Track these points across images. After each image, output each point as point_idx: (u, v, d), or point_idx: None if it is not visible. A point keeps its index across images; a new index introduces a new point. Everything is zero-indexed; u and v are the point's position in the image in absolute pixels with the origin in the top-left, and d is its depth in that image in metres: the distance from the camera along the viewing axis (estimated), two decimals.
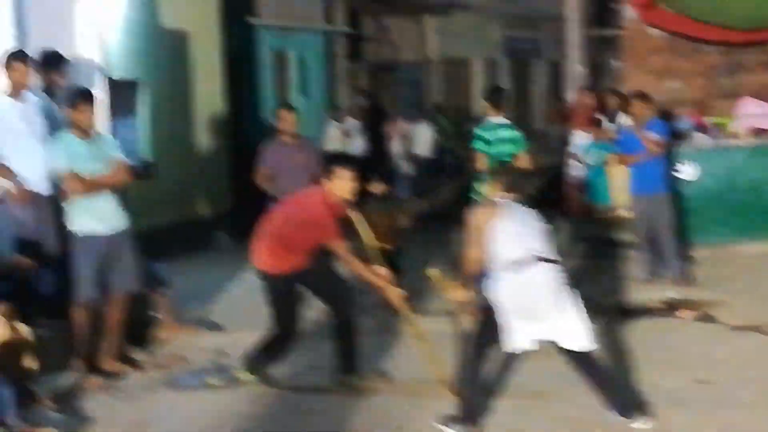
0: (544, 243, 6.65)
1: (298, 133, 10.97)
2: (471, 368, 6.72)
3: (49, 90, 9.25)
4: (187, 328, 9.77)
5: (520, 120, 30.95)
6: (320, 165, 10.62)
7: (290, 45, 21.09)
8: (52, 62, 9.34)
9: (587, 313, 6.60)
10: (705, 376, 7.42)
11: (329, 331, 8.06)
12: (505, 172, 7.27)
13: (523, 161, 10.49)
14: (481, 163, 10.41)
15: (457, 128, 24.29)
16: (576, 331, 6.56)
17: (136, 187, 13.16)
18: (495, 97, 11.18)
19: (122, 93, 13.63)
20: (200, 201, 15.53)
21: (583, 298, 6.61)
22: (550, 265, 6.58)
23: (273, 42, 20.36)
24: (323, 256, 7.87)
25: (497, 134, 10.61)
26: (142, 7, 14.18)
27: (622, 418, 6.55)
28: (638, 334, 8.88)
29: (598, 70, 32.85)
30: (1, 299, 7.46)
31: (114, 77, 12.73)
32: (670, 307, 9.81)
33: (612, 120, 14.11)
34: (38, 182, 8.76)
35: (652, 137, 10.57)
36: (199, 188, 15.55)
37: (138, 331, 9.19)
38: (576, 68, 17.31)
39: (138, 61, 14.14)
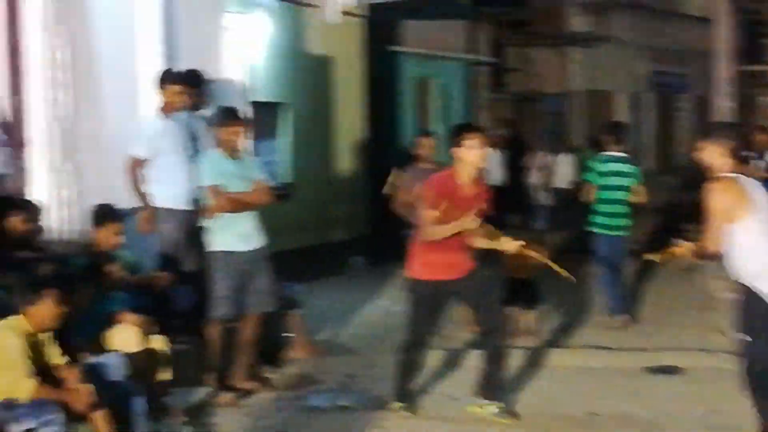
0: None
1: (436, 159, 10.93)
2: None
3: (194, 109, 9.41)
4: (319, 349, 9.78)
5: (665, 155, 30.62)
6: None
7: (432, 72, 21.13)
8: (197, 82, 9.51)
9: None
10: None
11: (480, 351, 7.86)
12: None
13: (639, 194, 10.84)
14: (591, 194, 10.80)
15: None
16: None
17: (274, 208, 13.43)
18: (615, 131, 11.47)
19: (265, 115, 13.83)
20: (338, 224, 15.62)
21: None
22: None
23: (414, 69, 20.42)
24: (482, 272, 7.74)
25: (610, 167, 10.84)
26: (286, 33, 14.38)
27: None
28: None
29: (746, 106, 32.11)
30: (140, 312, 7.57)
31: (258, 99, 12.92)
32: None
33: (761, 156, 13.69)
34: (183, 199, 8.88)
35: None
36: (337, 212, 15.64)
37: (270, 350, 9.24)
38: (723, 104, 16.82)
39: (282, 85, 14.35)
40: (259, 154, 13.27)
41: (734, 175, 6.29)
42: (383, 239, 16.75)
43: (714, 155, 6.38)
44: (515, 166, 20.87)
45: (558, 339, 10.34)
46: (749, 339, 6.34)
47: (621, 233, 10.97)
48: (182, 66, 9.81)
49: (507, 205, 16.03)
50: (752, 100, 33.07)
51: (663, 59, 32.00)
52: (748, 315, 6.37)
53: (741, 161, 6.49)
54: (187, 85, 9.17)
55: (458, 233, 7.33)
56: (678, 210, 22.84)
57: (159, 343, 7.59)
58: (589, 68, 28.72)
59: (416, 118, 20.32)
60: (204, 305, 8.30)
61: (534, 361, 9.19)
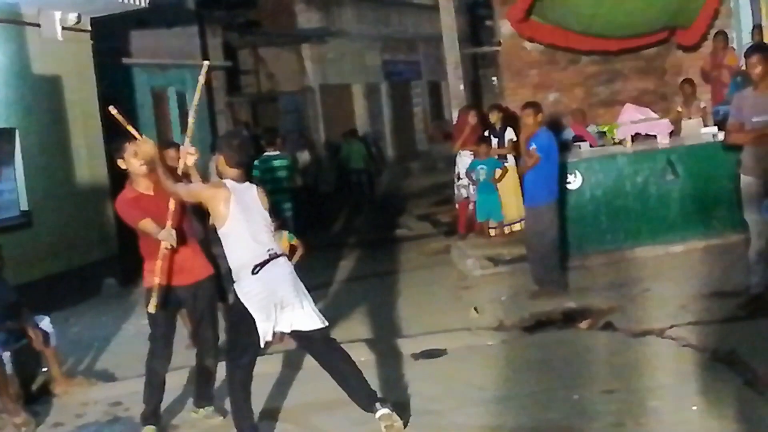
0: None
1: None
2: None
3: None
4: (80, 380, 9.43)
5: (404, 141, 31.32)
6: None
7: (167, 82, 20.85)
8: None
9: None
10: (612, 386, 7.37)
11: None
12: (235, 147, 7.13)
13: None
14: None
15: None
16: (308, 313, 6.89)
17: (16, 238, 12.88)
18: (269, 135, 15.19)
19: None
20: (86, 247, 15.10)
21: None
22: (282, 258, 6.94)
23: (149, 80, 20.10)
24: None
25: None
26: (8, 55, 13.82)
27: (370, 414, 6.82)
28: (540, 348, 8.84)
29: (478, 88, 33.26)
30: None
31: None
32: (569, 318, 9.80)
33: (499, 136, 14.16)
34: None
35: (532, 149, 10.53)
36: (83, 234, 15.13)
37: (28, 387, 8.85)
38: (455, 87, 17.32)
39: (9, 110, 13.77)
40: None
41: (225, 181, 6.95)
42: (134, 257, 16.37)
43: (220, 164, 7.06)
44: None
45: None
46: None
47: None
48: None
49: None
50: (484, 82, 34.27)
51: (394, 48, 32.73)
52: (231, 310, 7.18)
53: (241, 167, 6.98)
54: None
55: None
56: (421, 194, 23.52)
57: None
58: (322, 63, 29.02)
59: (157, 129, 20.00)
60: None
61: (292, 362, 9.11)
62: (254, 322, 6.74)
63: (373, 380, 7.62)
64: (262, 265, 6.77)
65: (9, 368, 8.45)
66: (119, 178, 16.17)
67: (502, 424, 6.87)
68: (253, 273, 6.74)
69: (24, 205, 14.06)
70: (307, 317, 6.88)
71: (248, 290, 6.76)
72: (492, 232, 13.99)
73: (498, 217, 13.76)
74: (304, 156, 21.21)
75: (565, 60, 15.61)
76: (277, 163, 14.37)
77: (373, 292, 12.48)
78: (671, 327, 8.66)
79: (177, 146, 10.94)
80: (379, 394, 7.05)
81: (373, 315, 11.12)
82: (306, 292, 6.98)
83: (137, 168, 7.55)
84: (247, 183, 7.06)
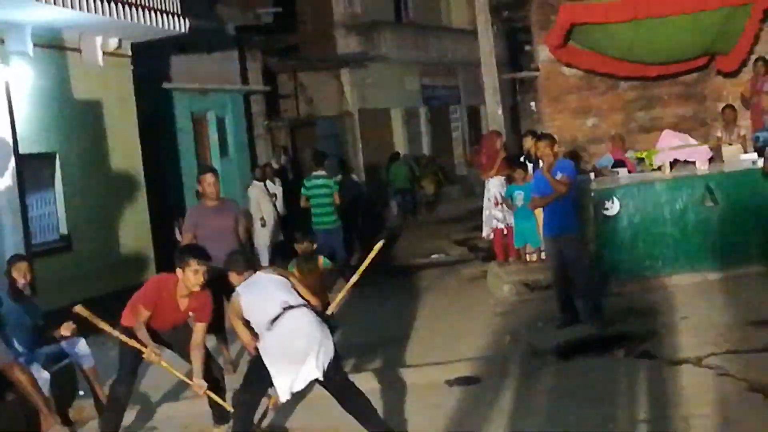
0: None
1: (221, 195, 10.80)
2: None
3: None
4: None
5: (444, 165, 31.22)
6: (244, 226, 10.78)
7: (207, 106, 20.99)
8: None
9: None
10: (648, 415, 7.31)
11: None
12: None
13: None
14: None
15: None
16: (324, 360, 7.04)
17: (53, 262, 12.99)
18: (317, 157, 16.25)
19: (35, 167, 13.38)
20: (124, 270, 15.19)
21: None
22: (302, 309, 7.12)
23: (189, 104, 20.24)
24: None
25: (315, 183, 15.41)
26: (51, 80, 13.98)
27: None
28: (576, 375, 8.78)
29: (517, 113, 33.20)
30: None
31: (26, 152, 12.48)
32: (605, 345, 9.72)
33: (535, 161, 14.07)
34: None
35: (559, 177, 10.41)
36: (122, 257, 15.24)
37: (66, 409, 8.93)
38: (494, 112, 17.30)
39: (51, 134, 13.92)
40: (32, 207, 12.85)
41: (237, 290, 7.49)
42: None
43: (233, 279, 7.70)
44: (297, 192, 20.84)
45: (359, 362, 10.33)
46: None
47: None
48: None
49: (293, 230, 16.05)
50: (523, 107, 34.18)
51: (433, 73, 32.74)
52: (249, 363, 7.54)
53: (249, 268, 7.57)
54: None
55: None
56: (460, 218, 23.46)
57: None
58: (361, 88, 29.08)
59: (196, 153, 20.13)
60: None
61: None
62: (269, 376, 7.03)
63: (407, 407, 7.61)
64: (277, 318, 7.00)
65: (47, 390, 8.52)
66: (157, 203, 16.35)
67: None
68: (267, 329, 7.01)
69: (63, 229, 14.19)
70: (323, 364, 7.04)
71: (265, 346, 7.04)
72: (528, 258, 13.92)
73: (535, 242, 13.69)
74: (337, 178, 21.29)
75: (603, 85, 15.56)
76: (321, 182, 15.45)
77: (409, 317, 12.45)
78: (709, 356, 8.58)
79: (215, 171, 11.05)
80: (395, 429, 7.29)
81: (408, 340, 11.09)
82: (328, 335, 7.15)
83: (191, 283, 7.75)
84: (259, 273, 7.57)
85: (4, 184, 10.86)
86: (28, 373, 8.39)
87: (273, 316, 7.02)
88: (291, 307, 7.08)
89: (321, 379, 7.08)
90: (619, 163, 13.47)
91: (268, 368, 7.01)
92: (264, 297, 7.22)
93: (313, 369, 7.00)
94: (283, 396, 7.10)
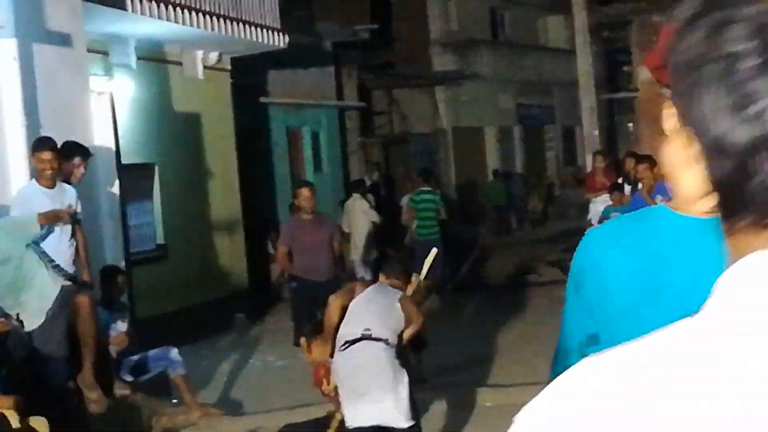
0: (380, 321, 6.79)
1: (316, 209, 10.87)
2: None
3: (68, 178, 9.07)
4: (212, 410, 9.55)
5: (537, 186, 31.05)
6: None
7: (302, 121, 21.15)
8: (68, 152, 9.14)
9: None
10: None
11: None
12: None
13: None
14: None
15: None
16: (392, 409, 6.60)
17: (152, 270, 13.18)
18: (425, 174, 17.76)
19: (137, 177, 13.60)
20: (217, 281, 15.35)
21: None
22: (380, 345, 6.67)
23: (284, 119, 20.42)
24: None
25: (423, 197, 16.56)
26: (152, 92, 14.19)
27: None
28: None
29: (614, 134, 32.88)
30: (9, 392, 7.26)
31: (128, 162, 12.69)
32: None
33: (633, 183, 13.92)
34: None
35: (659, 201, 10.24)
36: (215, 268, 15.41)
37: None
38: (590, 132, 17.17)
39: (151, 145, 14.14)
40: (131, 217, 13.06)
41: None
42: (263, 294, 16.58)
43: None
44: (390, 209, 20.89)
45: (439, 380, 10.26)
46: None
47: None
48: (47, 133, 9.50)
49: (387, 247, 16.09)
50: (620, 128, 33.86)
51: (528, 92, 32.59)
52: None
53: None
54: (53, 152, 8.85)
55: None
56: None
57: (38, 423, 7.28)
58: (455, 106, 29.07)
59: (291, 167, 20.28)
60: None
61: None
62: None
63: (482, 427, 7.57)
64: (352, 342, 6.69)
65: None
66: (251, 215, 16.50)
67: None
68: (341, 349, 6.72)
69: (160, 239, 14.39)
70: (390, 413, 6.60)
71: (336, 366, 6.80)
72: None
73: None
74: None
75: None
76: (428, 197, 16.63)
77: (499, 337, 12.36)
78: None
79: (311, 185, 11.13)
80: None
81: (490, 362, 10.99)
82: (401, 380, 6.68)
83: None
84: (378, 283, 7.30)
85: (106, 193, 11.06)
86: None
87: (351, 338, 6.71)
88: (369, 338, 6.69)
89: (384, 426, 6.65)
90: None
91: (338, 388, 6.82)
92: (359, 312, 6.91)
93: (376, 414, 6.58)
94: (349, 422, 6.73)
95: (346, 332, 6.74)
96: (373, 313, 6.82)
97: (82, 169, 9.16)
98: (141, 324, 10.01)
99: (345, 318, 6.89)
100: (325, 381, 7.29)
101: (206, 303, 14.68)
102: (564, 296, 2.12)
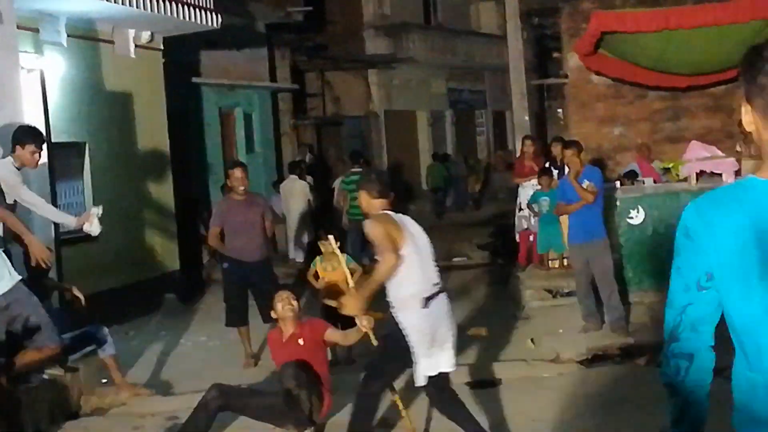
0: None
1: (248, 190, 10.89)
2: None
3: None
4: (141, 389, 9.56)
5: (472, 166, 31.26)
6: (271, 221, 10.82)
7: (235, 102, 21.11)
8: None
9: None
10: (668, 424, 7.32)
11: None
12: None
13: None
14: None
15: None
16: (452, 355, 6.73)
17: (81, 250, 13.11)
18: (355, 156, 18.41)
19: (67, 155, 13.50)
20: (148, 262, 15.29)
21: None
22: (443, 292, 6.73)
23: (217, 100, 20.36)
24: None
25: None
26: (83, 70, 14.07)
27: None
28: (596, 382, 8.82)
29: (543, 119, 33.22)
30: None
31: (58, 140, 12.60)
32: (626, 353, 9.76)
33: (560, 168, 14.13)
34: None
35: (585, 185, 10.46)
36: (146, 249, 15.35)
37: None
38: (521, 117, 17.35)
39: (82, 124, 14.03)
40: (61, 195, 12.96)
41: (385, 212, 6.72)
42: (195, 274, 16.57)
43: (365, 200, 6.83)
44: (322, 191, 20.94)
45: None
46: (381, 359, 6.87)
47: None
48: None
49: (320, 229, 16.18)
50: (549, 113, 34.22)
51: (460, 77, 32.81)
52: (387, 339, 6.83)
53: (384, 196, 6.79)
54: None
55: None
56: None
57: None
58: (388, 89, 29.19)
59: (223, 148, 20.25)
60: None
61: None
62: (409, 355, 6.56)
63: (427, 407, 7.67)
64: (432, 298, 6.58)
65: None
66: (182, 196, 16.43)
67: None
68: (424, 306, 6.54)
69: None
70: (453, 358, 6.74)
71: (414, 324, 6.53)
72: (551, 264, 13.96)
73: (559, 248, 13.72)
74: None
75: (631, 94, 15.58)
76: (359, 179, 15.75)
77: None
78: (729, 366, 8.57)
79: (244, 166, 11.15)
80: None
81: None
82: (456, 330, 6.82)
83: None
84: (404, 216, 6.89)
85: (35, 172, 10.95)
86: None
87: (430, 293, 6.57)
88: (441, 291, 6.68)
89: (447, 371, 6.72)
90: (632, 173, 13.51)
91: (414, 348, 6.52)
92: (423, 260, 6.65)
93: (444, 361, 6.65)
94: (420, 381, 6.65)
95: (420, 289, 6.54)
96: (431, 263, 6.73)
97: (37, 156, 9.03)
98: (70, 304, 9.95)
99: (411, 268, 6.56)
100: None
101: (137, 283, 14.63)
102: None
